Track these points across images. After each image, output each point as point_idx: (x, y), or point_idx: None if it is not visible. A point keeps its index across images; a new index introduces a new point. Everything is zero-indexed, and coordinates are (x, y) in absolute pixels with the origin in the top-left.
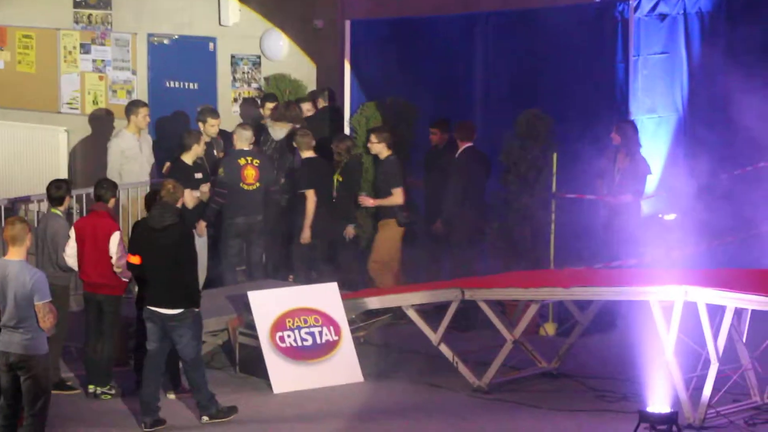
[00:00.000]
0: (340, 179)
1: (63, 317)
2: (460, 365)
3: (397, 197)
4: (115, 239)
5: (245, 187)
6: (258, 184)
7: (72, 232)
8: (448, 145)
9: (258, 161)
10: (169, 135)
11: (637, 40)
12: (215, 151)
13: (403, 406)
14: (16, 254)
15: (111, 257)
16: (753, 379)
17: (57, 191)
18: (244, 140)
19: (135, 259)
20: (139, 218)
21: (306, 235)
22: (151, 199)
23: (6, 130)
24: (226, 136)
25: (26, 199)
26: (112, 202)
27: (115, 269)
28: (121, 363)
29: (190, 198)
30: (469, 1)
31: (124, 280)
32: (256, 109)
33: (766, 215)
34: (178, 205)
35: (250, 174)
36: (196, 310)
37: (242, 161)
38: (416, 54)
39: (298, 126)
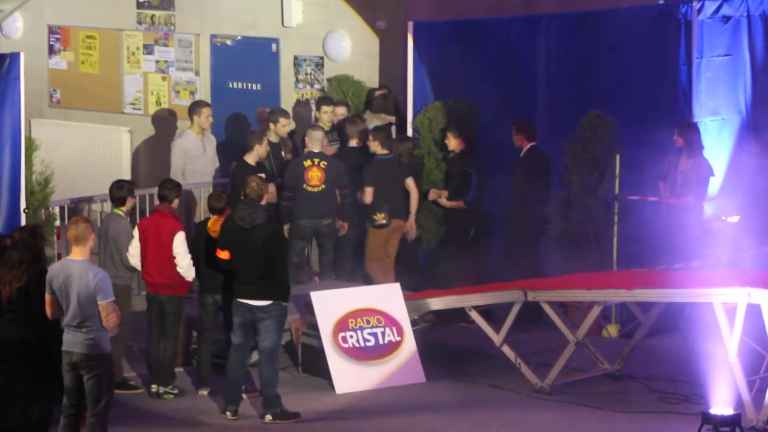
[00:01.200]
0: None
1: (125, 317)
2: (522, 366)
3: (366, 196)
4: (178, 239)
5: (309, 188)
6: (323, 186)
7: (136, 232)
8: (464, 149)
9: (325, 163)
10: (231, 136)
11: (701, 42)
12: (283, 153)
13: (465, 406)
14: (79, 254)
15: (174, 257)
16: None
17: (119, 191)
18: (314, 141)
19: (224, 255)
20: (203, 218)
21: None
22: (224, 201)
23: (69, 130)
24: (292, 137)
25: (89, 199)
26: (176, 203)
27: (179, 269)
28: (183, 363)
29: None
30: (531, 3)
31: (187, 280)
32: (309, 112)
33: None
34: (263, 202)
35: (315, 176)
36: (285, 303)
37: (307, 163)
38: (478, 55)
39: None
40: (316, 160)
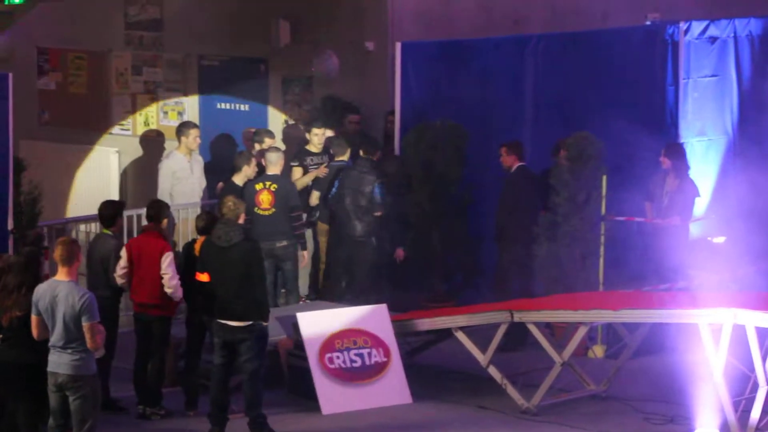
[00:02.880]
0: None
1: (112, 337)
2: (508, 387)
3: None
4: (166, 260)
5: (259, 212)
6: (273, 210)
7: (123, 252)
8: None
9: (276, 186)
10: (220, 156)
11: (687, 62)
12: None
13: (452, 427)
14: (65, 275)
15: (162, 278)
16: None
17: (108, 212)
18: (269, 164)
19: (204, 277)
20: (190, 239)
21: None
22: (202, 221)
23: (57, 151)
24: None
25: (77, 220)
26: (164, 223)
27: (167, 290)
28: (170, 383)
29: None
30: (519, 24)
31: (175, 300)
32: (300, 132)
33: None
34: (240, 221)
35: (265, 199)
36: (264, 324)
37: (259, 186)
38: (466, 76)
39: None
40: (268, 183)
